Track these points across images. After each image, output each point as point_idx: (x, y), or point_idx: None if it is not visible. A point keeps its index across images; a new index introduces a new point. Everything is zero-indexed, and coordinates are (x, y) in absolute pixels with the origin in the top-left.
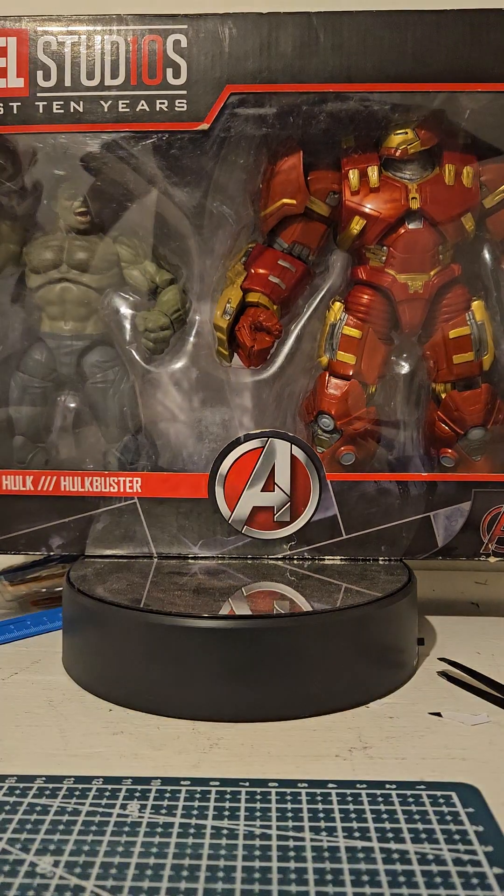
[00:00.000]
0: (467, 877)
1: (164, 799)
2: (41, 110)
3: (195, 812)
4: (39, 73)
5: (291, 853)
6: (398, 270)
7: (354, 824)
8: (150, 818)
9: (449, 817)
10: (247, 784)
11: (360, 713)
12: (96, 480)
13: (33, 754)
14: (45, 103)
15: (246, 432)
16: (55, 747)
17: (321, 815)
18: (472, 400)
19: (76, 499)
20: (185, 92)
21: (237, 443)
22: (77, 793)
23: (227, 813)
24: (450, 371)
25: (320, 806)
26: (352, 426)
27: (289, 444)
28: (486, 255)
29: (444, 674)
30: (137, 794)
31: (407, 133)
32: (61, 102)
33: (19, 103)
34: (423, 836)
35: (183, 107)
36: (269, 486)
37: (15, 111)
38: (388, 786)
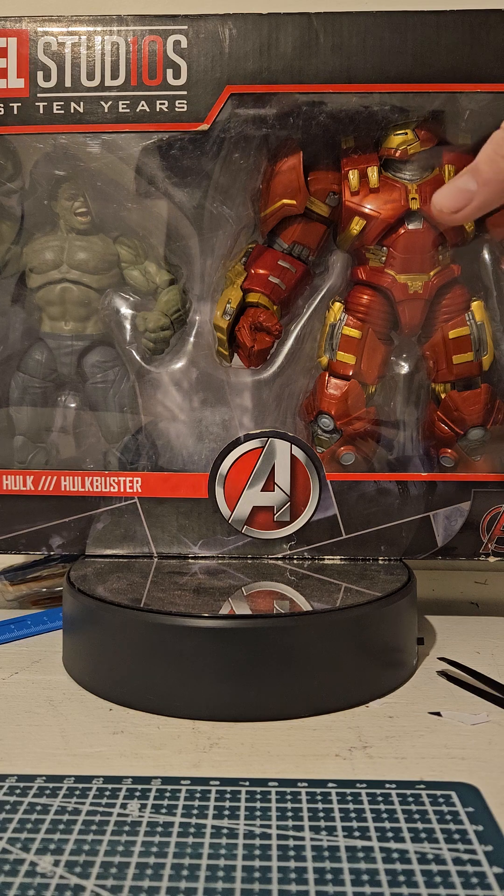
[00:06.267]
0: (467, 876)
1: (164, 798)
2: (41, 111)
3: (195, 811)
4: (40, 74)
5: (291, 852)
6: (398, 271)
7: (354, 824)
8: (150, 817)
9: (449, 817)
10: (247, 784)
11: (360, 713)
12: (96, 480)
13: (33, 754)
14: (46, 104)
15: (246, 432)
16: (55, 747)
17: (321, 814)
18: (471, 400)
19: (76, 499)
20: (185, 92)
21: (237, 443)
22: (77, 792)
23: (227, 812)
24: (449, 371)
25: (320, 805)
26: (351, 426)
27: (289, 444)
28: (486, 256)
29: (443, 673)
30: (137, 794)
31: (407, 134)
32: (61, 103)
33: (19, 104)
34: (423, 835)
35: (183, 107)
36: (269, 485)
37: (15, 111)
38: (387, 785)
